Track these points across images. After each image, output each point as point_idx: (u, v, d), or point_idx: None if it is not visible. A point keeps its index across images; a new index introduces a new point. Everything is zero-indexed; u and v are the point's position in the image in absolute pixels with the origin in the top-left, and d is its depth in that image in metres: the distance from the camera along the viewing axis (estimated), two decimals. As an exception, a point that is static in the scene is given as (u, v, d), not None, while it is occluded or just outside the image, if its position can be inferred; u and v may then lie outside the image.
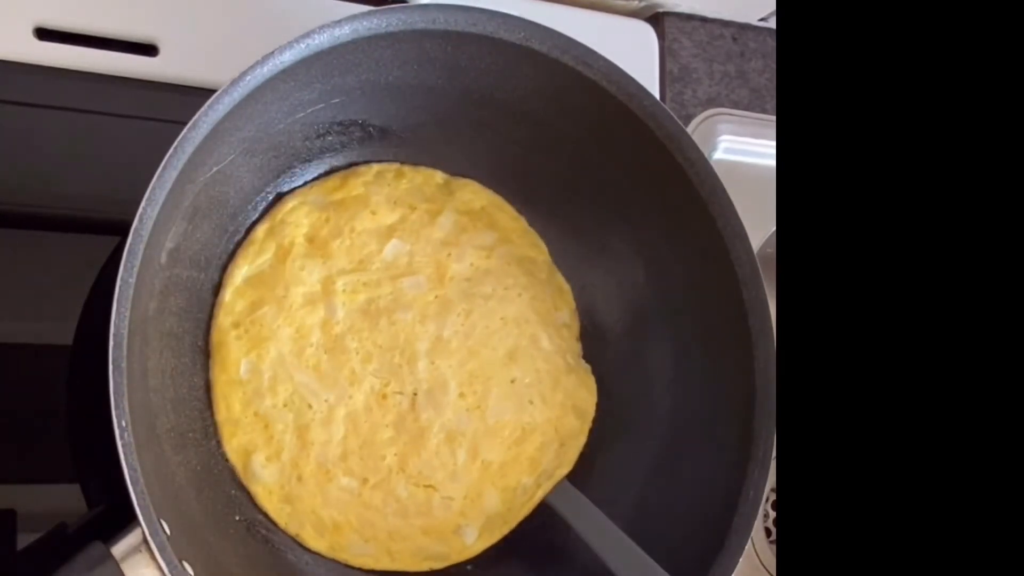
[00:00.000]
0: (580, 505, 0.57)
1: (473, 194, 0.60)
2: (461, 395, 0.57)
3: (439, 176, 0.60)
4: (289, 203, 0.56)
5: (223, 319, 0.54)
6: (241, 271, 0.55)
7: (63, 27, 0.59)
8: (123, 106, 0.59)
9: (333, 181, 0.57)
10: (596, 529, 0.55)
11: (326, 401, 0.55)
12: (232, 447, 0.54)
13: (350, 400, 0.55)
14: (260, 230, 0.56)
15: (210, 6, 0.62)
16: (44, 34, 0.59)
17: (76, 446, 0.55)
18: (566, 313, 0.61)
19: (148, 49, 0.61)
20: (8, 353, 0.56)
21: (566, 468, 0.59)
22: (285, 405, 0.55)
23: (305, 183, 0.57)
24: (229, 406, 0.54)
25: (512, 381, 0.58)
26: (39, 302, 0.57)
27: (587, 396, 0.60)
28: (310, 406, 0.55)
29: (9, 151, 0.56)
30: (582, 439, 0.60)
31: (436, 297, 0.58)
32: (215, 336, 0.54)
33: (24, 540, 0.53)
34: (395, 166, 0.59)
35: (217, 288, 0.55)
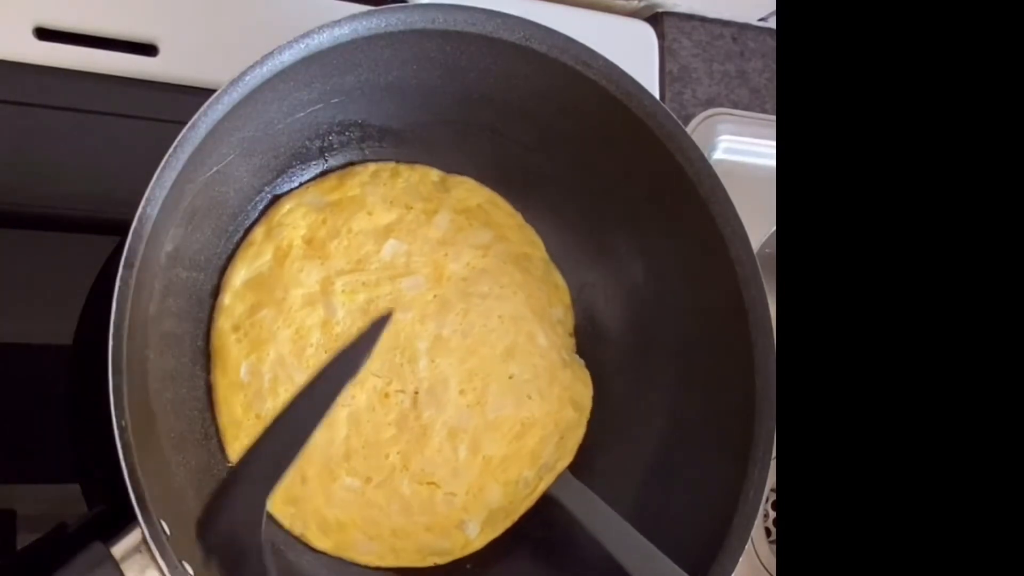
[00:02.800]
0: (583, 496, 0.57)
1: (469, 192, 0.60)
2: (461, 392, 0.57)
3: (435, 174, 0.60)
4: (286, 205, 0.56)
5: (223, 322, 0.54)
6: (240, 274, 0.55)
7: (63, 27, 0.59)
8: (123, 106, 0.59)
9: (329, 182, 0.57)
10: (599, 519, 0.55)
11: None
12: (235, 450, 0.54)
13: (352, 400, 0.55)
14: (257, 232, 0.56)
15: (210, 6, 0.62)
16: (44, 34, 0.59)
17: (76, 446, 0.55)
18: (560, 309, 0.62)
19: (148, 49, 0.61)
20: (8, 353, 0.55)
21: (567, 460, 0.59)
22: None
23: (303, 184, 0.57)
24: (231, 409, 0.54)
25: (510, 377, 0.58)
26: (39, 302, 0.57)
27: (583, 390, 0.60)
28: None
29: (9, 151, 0.56)
30: (581, 431, 0.60)
31: (435, 297, 0.58)
32: (215, 340, 0.54)
33: (24, 540, 0.53)
34: (391, 165, 0.59)
35: (216, 291, 0.55)
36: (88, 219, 0.57)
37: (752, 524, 0.52)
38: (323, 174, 0.57)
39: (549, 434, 0.59)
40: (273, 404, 0.54)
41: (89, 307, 0.56)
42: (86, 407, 0.55)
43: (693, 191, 0.54)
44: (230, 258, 0.55)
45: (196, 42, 0.61)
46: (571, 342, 0.62)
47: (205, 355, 0.54)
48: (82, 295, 0.56)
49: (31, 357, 0.56)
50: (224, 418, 0.54)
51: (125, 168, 0.55)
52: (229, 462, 0.54)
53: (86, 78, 0.59)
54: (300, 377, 0.54)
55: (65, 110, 0.58)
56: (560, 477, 0.58)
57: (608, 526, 0.55)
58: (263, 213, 0.56)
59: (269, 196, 0.56)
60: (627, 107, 0.53)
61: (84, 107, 0.58)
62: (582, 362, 0.61)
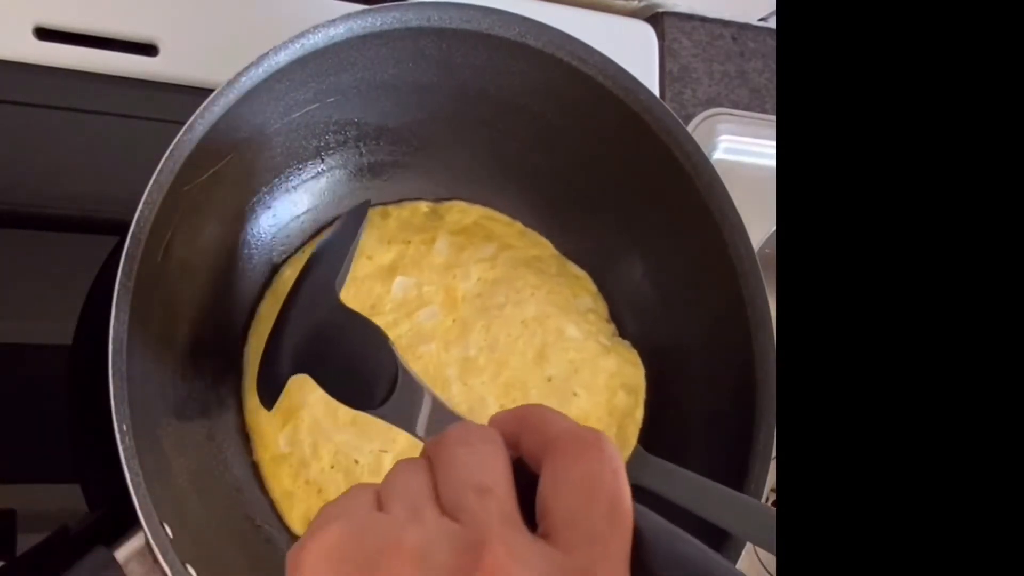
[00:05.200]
0: (663, 469, 0.54)
1: (461, 213, 0.60)
2: (501, 407, 0.56)
3: (424, 205, 0.59)
4: (286, 271, 0.56)
5: (251, 401, 0.54)
6: (255, 349, 0.54)
7: (63, 27, 0.59)
8: (123, 106, 0.59)
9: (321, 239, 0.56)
10: (686, 486, 0.52)
11: (371, 452, 0.54)
12: (294, 519, 0.53)
13: (394, 444, 0.54)
14: (264, 306, 0.55)
15: (210, 6, 0.61)
16: (44, 34, 0.58)
17: (76, 446, 0.55)
18: (587, 299, 0.61)
19: (148, 49, 0.60)
20: (8, 353, 0.55)
21: (632, 443, 0.58)
22: (332, 467, 0.54)
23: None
24: (280, 482, 0.53)
25: (549, 379, 0.57)
26: (39, 302, 0.57)
27: (633, 371, 0.59)
28: (356, 461, 0.54)
29: (9, 151, 0.56)
30: (639, 413, 0.59)
31: (454, 321, 0.57)
32: (248, 421, 0.54)
33: (24, 541, 0.53)
34: (379, 208, 0.58)
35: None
36: (88, 219, 0.57)
37: (753, 518, 0.52)
38: (318, 176, 0.57)
39: (605, 425, 0.58)
40: (318, 467, 0.53)
41: (88, 307, 0.56)
42: (86, 407, 0.55)
43: (690, 185, 0.54)
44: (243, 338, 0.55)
45: (196, 42, 0.61)
46: (609, 327, 0.61)
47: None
48: (81, 295, 0.56)
49: (31, 357, 0.56)
50: (276, 492, 0.53)
51: (125, 168, 0.55)
52: (291, 531, 0.53)
53: (86, 78, 0.59)
54: (339, 436, 0.54)
55: (65, 110, 0.58)
56: (632, 460, 0.57)
57: (699, 491, 0.51)
58: (265, 285, 0.56)
59: (267, 196, 0.55)
60: (623, 102, 0.53)
61: (84, 107, 0.58)
62: (627, 343, 0.60)
